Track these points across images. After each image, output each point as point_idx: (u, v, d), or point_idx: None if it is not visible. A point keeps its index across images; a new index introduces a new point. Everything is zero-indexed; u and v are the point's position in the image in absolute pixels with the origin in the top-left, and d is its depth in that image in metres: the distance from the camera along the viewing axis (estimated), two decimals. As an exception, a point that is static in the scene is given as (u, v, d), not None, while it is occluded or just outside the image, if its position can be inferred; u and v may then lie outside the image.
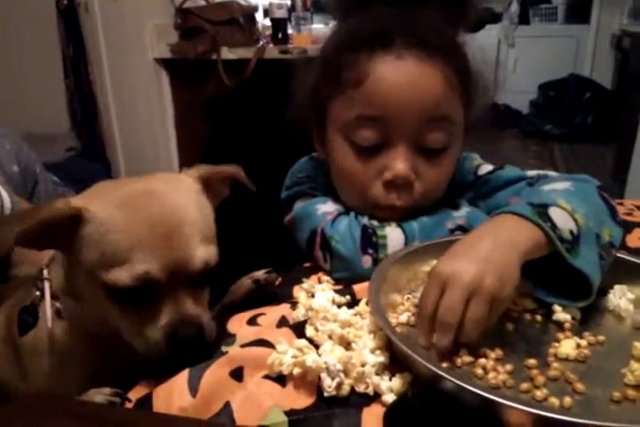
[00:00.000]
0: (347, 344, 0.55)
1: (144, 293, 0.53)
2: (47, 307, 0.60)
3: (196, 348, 0.55)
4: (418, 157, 0.73)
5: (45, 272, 0.63)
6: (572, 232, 0.59)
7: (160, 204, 0.54)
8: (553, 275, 0.61)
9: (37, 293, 0.63)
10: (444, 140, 0.74)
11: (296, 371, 0.51)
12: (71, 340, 0.61)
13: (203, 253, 0.55)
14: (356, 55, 0.72)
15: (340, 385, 0.50)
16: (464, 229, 0.74)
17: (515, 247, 0.56)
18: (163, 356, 0.55)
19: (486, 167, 0.86)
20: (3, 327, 0.66)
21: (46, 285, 0.62)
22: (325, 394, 0.49)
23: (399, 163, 0.72)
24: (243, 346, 0.57)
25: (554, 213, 0.60)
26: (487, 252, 0.55)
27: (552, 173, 0.79)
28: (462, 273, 0.53)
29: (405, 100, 0.70)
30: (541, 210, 0.60)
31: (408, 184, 0.73)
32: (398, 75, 0.70)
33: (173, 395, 0.51)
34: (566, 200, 0.62)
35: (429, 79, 0.71)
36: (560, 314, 0.60)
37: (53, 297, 0.61)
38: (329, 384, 0.49)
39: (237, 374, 0.53)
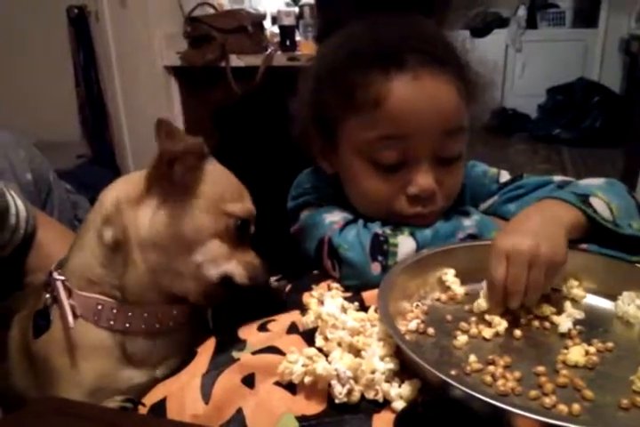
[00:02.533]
0: (356, 352, 0.56)
1: (245, 226, 0.64)
2: (65, 305, 0.60)
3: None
4: (436, 167, 0.75)
5: (56, 274, 0.63)
6: (608, 220, 0.69)
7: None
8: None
9: (47, 295, 0.63)
10: (460, 149, 0.76)
11: (307, 379, 0.51)
12: (86, 340, 0.61)
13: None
14: (368, 75, 0.72)
15: (350, 392, 0.51)
16: (474, 237, 0.75)
17: (560, 223, 0.65)
18: (263, 282, 0.66)
19: (505, 174, 0.90)
20: (18, 339, 0.67)
21: (59, 284, 0.62)
22: (336, 401, 0.50)
23: (423, 177, 0.73)
24: (254, 353, 0.57)
25: (594, 201, 0.69)
26: (537, 226, 0.63)
27: (575, 180, 0.83)
28: (520, 247, 0.60)
29: (426, 117, 0.71)
30: (583, 197, 0.69)
31: (432, 196, 0.75)
32: (417, 94, 0.71)
33: (186, 402, 0.52)
34: (603, 193, 0.71)
35: (445, 94, 0.72)
36: (563, 321, 0.61)
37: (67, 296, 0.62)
38: (339, 391, 0.50)
39: (249, 381, 0.53)
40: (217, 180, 0.63)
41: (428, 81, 0.71)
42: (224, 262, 0.62)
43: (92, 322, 0.61)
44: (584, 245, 0.70)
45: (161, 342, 0.63)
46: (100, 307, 0.61)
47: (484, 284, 0.64)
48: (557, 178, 0.85)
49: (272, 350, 0.57)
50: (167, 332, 0.63)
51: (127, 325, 0.61)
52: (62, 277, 0.62)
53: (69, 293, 0.62)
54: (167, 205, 0.60)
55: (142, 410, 0.54)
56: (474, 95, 0.77)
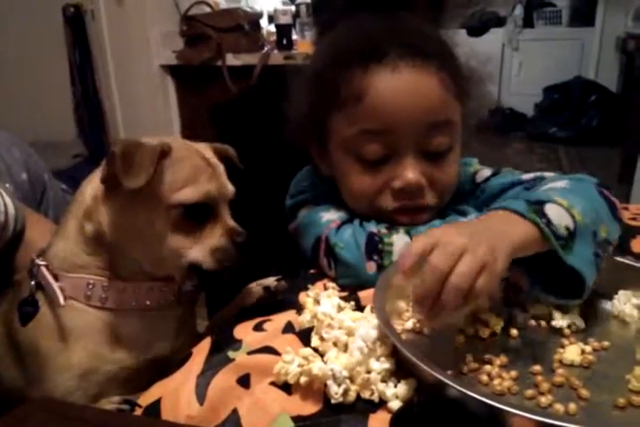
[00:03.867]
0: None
1: (202, 210, 0.63)
2: (54, 286, 0.62)
3: (247, 255, 0.66)
4: (424, 162, 0.74)
5: (38, 260, 0.65)
6: (567, 228, 0.58)
7: (206, 152, 0.69)
8: (548, 273, 0.61)
9: (32, 282, 0.64)
10: (448, 143, 0.75)
11: (303, 380, 0.51)
12: (76, 321, 0.63)
13: (230, 184, 0.68)
14: (350, 71, 0.72)
15: (346, 392, 0.50)
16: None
17: (507, 237, 0.55)
18: (234, 262, 0.64)
19: (483, 174, 0.85)
20: (2, 333, 0.68)
21: (43, 269, 0.64)
22: (332, 401, 0.50)
23: (408, 171, 0.73)
24: (249, 353, 0.57)
25: (550, 209, 0.59)
26: (481, 230, 0.55)
27: (548, 174, 0.77)
28: (453, 237, 0.53)
29: (407, 110, 0.71)
30: (537, 207, 0.59)
31: (419, 190, 0.74)
32: (396, 87, 0.71)
33: (181, 403, 0.52)
34: (563, 197, 0.61)
35: (427, 86, 0.71)
36: (558, 321, 0.61)
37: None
38: (335, 391, 0.50)
39: (244, 382, 0.53)
40: (162, 175, 0.61)
41: (408, 73, 0.71)
42: (187, 252, 0.63)
43: (83, 302, 0.63)
44: (525, 283, 0.63)
45: (151, 323, 0.65)
46: (90, 286, 0.63)
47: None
48: (527, 176, 0.79)
49: (267, 350, 0.57)
50: (158, 312, 0.65)
51: (119, 302, 0.63)
52: (45, 262, 0.64)
53: (55, 276, 0.63)
54: (126, 203, 0.62)
55: (139, 411, 0.54)
56: (466, 89, 0.77)
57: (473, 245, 0.52)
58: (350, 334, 0.57)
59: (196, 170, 0.64)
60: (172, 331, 0.67)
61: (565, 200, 0.61)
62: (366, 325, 0.56)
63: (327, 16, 0.83)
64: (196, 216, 0.63)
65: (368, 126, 0.72)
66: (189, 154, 0.65)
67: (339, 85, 0.73)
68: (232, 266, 0.65)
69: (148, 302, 0.64)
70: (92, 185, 0.65)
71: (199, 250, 0.63)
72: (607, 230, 0.63)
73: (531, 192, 0.69)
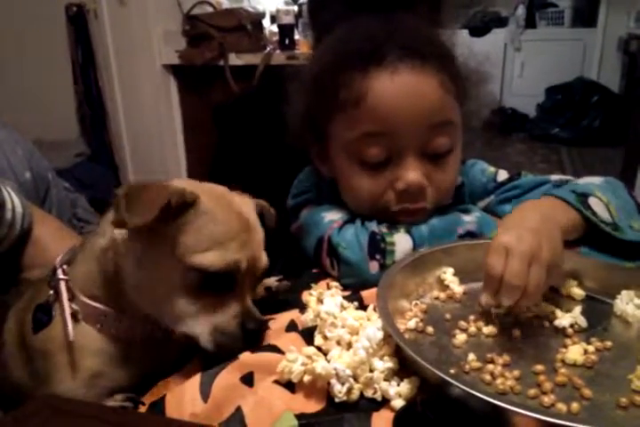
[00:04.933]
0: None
1: (224, 280, 0.57)
2: (66, 308, 0.60)
3: (257, 341, 0.59)
4: (425, 162, 0.74)
5: (60, 272, 0.63)
6: (607, 222, 0.68)
7: (245, 208, 0.62)
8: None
9: (51, 291, 0.63)
10: (448, 144, 0.75)
11: (306, 378, 0.51)
12: (86, 341, 0.61)
13: (265, 256, 0.62)
14: (349, 74, 0.72)
15: (349, 390, 0.51)
16: (474, 235, 0.75)
17: (558, 223, 0.64)
18: (237, 347, 0.57)
19: (503, 173, 0.90)
20: (15, 331, 0.67)
21: (62, 285, 0.62)
22: (336, 400, 0.50)
23: (410, 172, 0.73)
24: (253, 351, 0.57)
25: (593, 202, 0.69)
26: (537, 223, 0.62)
27: (572, 178, 0.82)
28: (521, 242, 0.58)
29: (407, 112, 0.71)
30: (582, 198, 0.68)
31: (421, 191, 0.74)
32: (396, 89, 0.71)
33: (185, 401, 0.52)
34: (603, 192, 0.70)
35: (426, 88, 0.71)
36: (561, 320, 0.61)
37: (70, 299, 0.62)
38: (339, 390, 0.50)
39: (248, 380, 0.53)
40: (187, 229, 0.56)
41: (408, 75, 0.71)
42: (189, 321, 0.57)
43: (94, 328, 0.61)
44: (577, 249, 0.70)
45: (157, 347, 0.63)
46: (103, 316, 0.61)
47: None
48: (554, 177, 0.85)
49: (271, 348, 0.57)
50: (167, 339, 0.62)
51: (129, 333, 0.61)
52: (66, 277, 0.62)
53: (72, 295, 0.62)
54: (144, 251, 0.57)
55: (143, 409, 0.54)
56: (465, 90, 0.77)
57: (537, 245, 0.58)
58: (353, 332, 0.57)
59: (228, 231, 0.57)
60: (177, 349, 0.64)
61: (605, 196, 0.70)
62: (373, 325, 0.56)
63: (325, 19, 0.83)
64: (214, 286, 0.56)
65: (369, 129, 0.72)
66: (223, 209, 0.58)
67: (338, 89, 0.73)
68: (228, 353, 0.58)
69: (158, 334, 0.61)
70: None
71: (202, 325, 0.57)
72: (639, 227, 0.70)
73: (572, 184, 0.76)
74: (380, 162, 0.74)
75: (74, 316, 0.61)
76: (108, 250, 0.60)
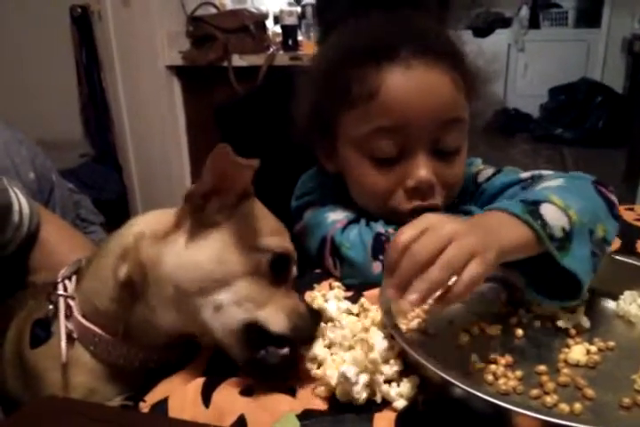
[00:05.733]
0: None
1: (282, 267, 0.57)
2: (62, 327, 0.59)
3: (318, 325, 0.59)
4: (434, 159, 0.74)
5: (61, 286, 0.61)
6: (564, 229, 0.56)
7: None
8: (544, 275, 0.59)
9: (51, 306, 0.61)
10: (458, 141, 0.75)
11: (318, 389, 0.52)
12: (81, 360, 0.60)
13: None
14: (362, 69, 0.72)
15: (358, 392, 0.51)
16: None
17: (500, 241, 0.52)
18: (308, 337, 0.56)
19: (485, 174, 0.85)
20: (14, 341, 0.66)
21: (61, 301, 0.60)
22: (354, 402, 0.50)
23: (421, 169, 0.73)
24: None
25: (545, 209, 0.57)
26: (474, 225, 0.54)
27: (546, 172, 0.76)
28: (446, 223, 0.51)
29: (420, 107, 0.71)
30: (533, 207, 0.57)
31: (430, 188, 0.74)
32: (410, 84, 0.71)
33: (187, 403, 0.52)
34: (559, 196, 0.59)
35: (439, 84, 0.72)
36: (564, 322, 0.61)
37: (67, 316, 0.60)
38: (357, 391, 0.50)
39: (248, 392, 0.53)
40: (250, 213, 0.57)
41: (421, 71, 0.71)
42: (257, 306, 0.54)
43: (87, 350, 0.60)
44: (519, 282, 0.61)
45: (154, 375, 0.60)
46: (97, 339, 0.59)
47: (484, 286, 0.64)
48: (525, 174, 0.78)
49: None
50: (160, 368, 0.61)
51: (122, 360, 0.59)
52: (66, 293, 0.61)
53: (70, 312, 0.60)
54: (194, 241, 0.55)
55: (143, 407, 0.54)
56: (474, 88, 0.77)
57: (465, 232, 0.50)
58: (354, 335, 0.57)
59: (281, 225, 0.60)
60: (176, 365, 0.62)
61: (561, 200, 0.59)
62: (377, 335, 0.56)
63: (332, 15, 0.83)
64: (277, 269, 0.56)
65: (382, 124, 0.72)
66: (264, 208, 0.61)
67: (350, 84, 0.73)
68: (303, 339, 0.56)
69: (152, 365, 0.60)
70: (141, 225, 0.58)
71: (273, 309, 0.54)
72: (605, 229, 0.61)
73: (527, 191, 0.67)
74: (390, 158, 0.73)
75: (69, 335, 0.59)
76: (130, 252, 0.56)
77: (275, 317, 0.54)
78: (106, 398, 0.60)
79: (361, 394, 0.50)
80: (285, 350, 0.54)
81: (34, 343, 0.62)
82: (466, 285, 0.48)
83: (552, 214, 0.57)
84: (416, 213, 0.74)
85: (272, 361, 0.54)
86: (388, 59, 0.72)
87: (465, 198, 0.84)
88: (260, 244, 0.56)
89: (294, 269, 0.60)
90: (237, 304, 0.54)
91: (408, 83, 0.71)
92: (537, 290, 0.59)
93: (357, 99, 0.73)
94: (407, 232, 0.51)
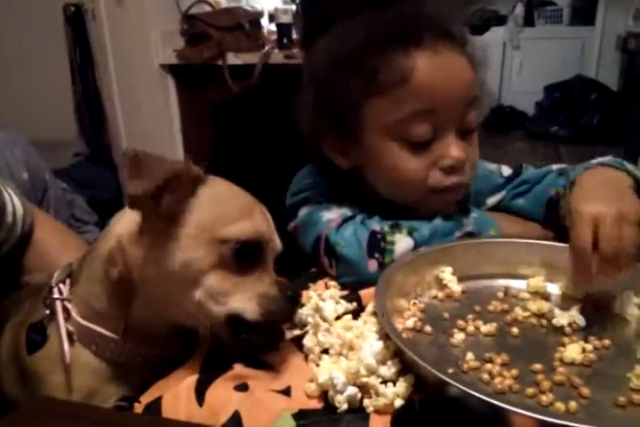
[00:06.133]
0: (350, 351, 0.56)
1: (253, 252, 0.56)
2: (62, 328, 0.59)
3: (296, 307, 0.60)
4: (461, 138, 0.76)
5: (56, 291, 0.61)
6: None
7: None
8: None
9: (47, 311, 0.61)
10: (475, 121, 0.78)
11: (309, 389, 0.52)
12: (81, 361, 0.60)
13: (279, 239, 0.62)
14: (389, 56, 0.74)
15: (351, 398, 0.51)
16: (472, 235, 0.76)
17: (624, 183, 0.68)
18: (283, 317, 0.58)
19: (506, 168, 0.91)
20: (9, 346, 0.66)
21: (58, 304, 0.60)
22: (338, 411, 0.50)
23: (455, 149, 0.75)
24: (246, 365, 0.56)
25: (628, 166, 0.72)
26: (609, 190, 0.66)
27: (572, 167, 0.82)
28: (606, 209, 0.61)
29: (451, 89, 0.74)
30: (619, 161, 0.72)
31: (463, 166, 0.76)
32: (440, 68, 0.74)
33: (181, 402, 0.51)
34: (620, 161, 0.73)
35: (461, 65, 0.76)
36: (559, 319, 0.61)
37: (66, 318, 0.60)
38: (339, 400, 0.50)
39: (243, 387, 0.53)
40: (207, 204, 0.56)
41: (446, 54, 0.74)
42: (228, 298, 0.55)
43: (89, 350, 0.60)
44: None
45: (155, 370, 0.61)
46: (98, 339, 0.59)
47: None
48: (555, 166, 0.87)
49: (263, 364, 0.56)
50: (163, 364, 0.61)
51: (124, 357, 0.60)
52: (62, 297, 0.61)
53: (68, 315, 0.60)
54: (158, 240, 0.55)
55: (138, 408, 0.54)
56: (478, 72, 0.80)
57: (619, 207, 0.61)
58: (344, 344, 0.57)
59: (250, 205, 0.58)
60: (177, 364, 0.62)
61: (625, 164, 0.72)
62: (370, 339, 0.56)
63: (320, 15, 0.84)
64: (245, 258, 0.56)
65: (417, 107, 0.73)
66: (238, 190, 0.60)
67: (377, 70, 0.74)
68: (279, 321, 0.58)
69: (155, 361, 0.61)
70: (120, 224, 0.59)
71: (244, 298, 0.55)
72: None
73: (585, 163, 0.77)
74: (425, 141, 0.75)
75: (69, 336, 0.59)
76: (116, 253, 0.57)
77: (247, 305, 0.55)
78: (107, 399, 0.60)
79: (342, 404, 0.50)
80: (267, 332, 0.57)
81: (30, 348, 0.62)
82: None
83: (632, 168, 0.72)
84: (452, 188, 0.77)
85: (255, 341, 0.56)
86: (415, 44, 0.74)
87: (492, 191, 0.90)
88: (219, 235, 0.55)
89: (271, 249, 0.59)
90: (213, 299, 0.55)
91: (438, 66, 0.74)
92: None
93: (387, 85, 0.73)
94: (587, 233, 0.60)
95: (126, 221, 0.58)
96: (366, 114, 0.77)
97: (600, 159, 0.76)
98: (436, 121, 0.74)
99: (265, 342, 0.58)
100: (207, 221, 0.55)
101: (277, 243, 0.61)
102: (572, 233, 0.61)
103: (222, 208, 0.57)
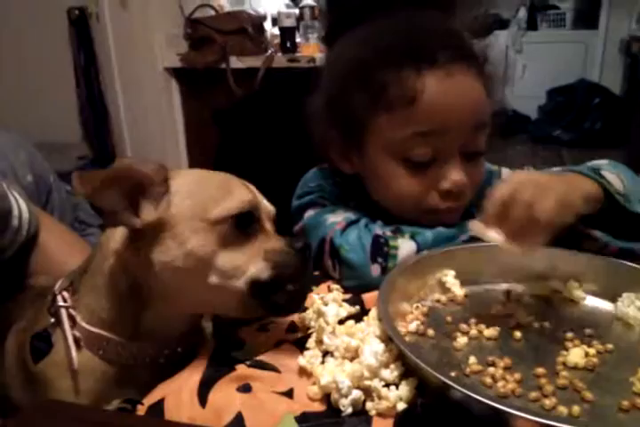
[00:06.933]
0: (352, 358, 0.56)
1: (249, 222, 0.58)
2: (68, 335, 0.59)
3: (307, 260, 0.62)
4: (464, 162, 0.75)
5: (60, 298, 0.62)
6: (622, 189, 0.70)
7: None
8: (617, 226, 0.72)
9: (52, 320, 0.62)
10: (483, 144, 0.77)
11: (311, 391, 0.52)
12: (89, 367, 0.60)
13: (270, 204, 0.65)
14: (400, 72, 0.72)
15: (355, 401, 0.50)
16: (475, 239, 0.75)
17: (579, 189, 0.65)
18: (295, 269, 0.59)
19: (505, 171, 0.90)
20: (14, 352, 0.66)
21: (63, 312, 0.61)
22: (342, 409, 0.50)
23: (455, 173, 0.74)
24: (249, 366, 0.56)
25: (606, 173, 0.70)
26: (556, 181, 0.64)
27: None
28: (535, 178, 0.62)
29: (459, 113, 0.72)
30: (596, 170, 0.70)
31: (464, 190, 0.76)
32: (450, 90, 0.72)
33: (183, 404, 0.52)
34: (612, 168, 0.73)
35: (474, 90, 0.74)
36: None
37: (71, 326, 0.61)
38: (343, 404, 0.50)
39: (246, 388, 0.53)
40: (184, 194, 0.57)
41: (460, 77, 0.72)
42: (243, 269, 0.57)
43: (96, 355, 0.60)
44: (598, 233, 0.71)
45: (161, 370, 0.61)
46: (105, 343, 0.60)
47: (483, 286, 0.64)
48: (555, 169, 0.84)
49: (265, 365, 0.56)
50: (171, 363, 0.62)
51: (132, 359, 0.60)
52: (66, 304, 0.61)
53: (74, 322, 0.60)
54: (155, 244, 0.56)
55: (141, 409, 0.54)
56: (493, 91, 0.79)
57: (550, 183, 0.61)
58: (348, 349, 0.57)
59: (227, 183, 0.60)
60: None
61: (615, 170, 0.72)
62: (372, 342, 0.56)
63: (344, 14, 0.82)
64: (243, 228, 0.57)
65: (421, 129, 0.72)
66: (210, 173, 0.61)
67: (387, 86, 0.73)
68: (293, 272, 0.58)
69: (162, 360, 0.61)
70: (113, 241, 0.59)
71: (253, 262, 0.57)
72: None
73: (580, 166, 0.76)
74: (424, 161, 0.74)
75: (76, 343, 0.60)
76: (118, 270, 0.58)
77: (258, 266, 0.57)
78: (116, 400, 0.59)
79: (347, 408, 0.50)
80: (290, 287, 0.58)
81: (36, 357, 0.62)
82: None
83: (611, 178, 0.70)
84: (446, 211, 0.77)
85: (282, 301, 0.58)
86: (428, 64, 0.72)
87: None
88: (212, 217, 0.56)
89: (265, 213, 0.61)
90: (229, 276, 0.56)
91: (448, 89, 0.72)
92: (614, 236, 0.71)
93: (395, 102, 0.72)
94: (504, 188, 0.60)
95: (118, 237, 0.59)
96: (370, 128, 0.76)
97: (594, 162, 0.77)
98: (438, 144, 0.73)
99: (292, 297, 0.60)
100: (192, 209, 0.56)
101: (267, 205, 0.63)
102: (518, 195, 0.59)
103: (202, 193, 0.57)
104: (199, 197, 0.57)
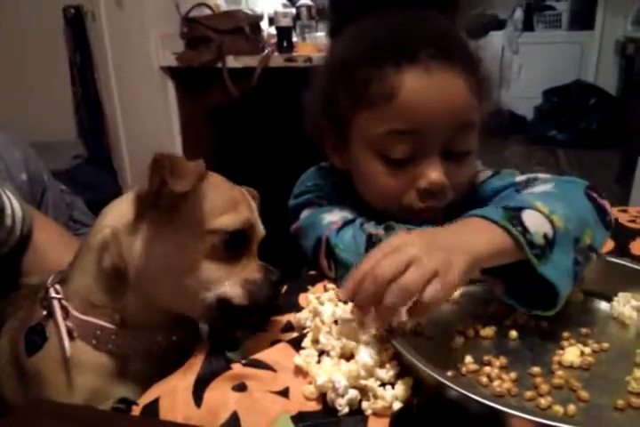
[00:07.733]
0: (348, 357, 0.56)
1: (240, 240, 0.60)
2: (62, 328, 0.60)
3: (280, 291, 0.64)
4: (447, 162, 0.74)
5: (52, 291, 0.62)
6: (545, 236, 0.56)
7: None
8: (524, 283, 0.60)
9: (44, 312, 0.62)
10: (469, 144, 0.75)
11: (307, 391, 0.52)
12: (82, 359, 0.61)
13: (262, 227, 0.66)
14: (381, 69, 0.72)
15: (351, 401, 0.50)
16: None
17: (471, 251, 0.54)
18: (266, 300, 0.61)
19: (482, 176, 0.84)
20: (7, 350, 0.66)
21: (55, 303, 0.61)
22: (338, 410, 0.50)
23: (434, 172, 0.73)
24: (245, 365, 0.56)
25: (527, 216, 0.57)
26: (443, 239, 0.55)
27: (542, 175, 0.76)
28: (408, 246, 0.53)
29: (438, 111, 0.71)
30: (514, 213, 0.57)
31: (442, 190, 0.74)
32: (429, 88, 0.71)
33: (178, 404, 0.51)
34: (544, 202, 0.59)
35: (456, 88, 0.72)
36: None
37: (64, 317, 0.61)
38: (340, 404, 0.50)
39: (241, 388, 0.53)
40: (200, 197, 0.59)
41: (439, 74, 0.71)
42: (218, 285, 0.59)
43: (90, 345, 0.61)
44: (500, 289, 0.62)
45: (156, 362, 0.62)
46: (99, 332, 0.60)
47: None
48: (520, 178, 0.78)
49: (261, 364, 0.56)
50: (165, 353, 0.63)
51: (126, 348, 0.61)
52: (59, 296, 0.62)
53: (66, 313, 0.61)
54: (157, 231, 0.58)
55: (136, 410, 0.53)
56: (487, 92, 0.78)
57: (425, 254, 0.51)
58: (345, 348, 0.56)
59: (236, 198, 0.62)
60: (178, 362, 0.62)
61: (546, 206, 0.59)
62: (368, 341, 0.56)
63: (347, 9, 0.82)
64: (234, 246, 0.60)
65: (398, 126, 0.71)
66: (226, 183, 0.63)
67: (368, 83, 0.73)
68: (263, 304, 0.61)
69: (155, 349, 0.62)
70: (111, 217, 0.61)
71: (232, 284, 0.59)
72: (592, 236, 0.61)
73: (513, 197, 0.68)
74: (403, 159, 0.73)
75: (69, 333, 0.60)
76: (110, 243, 0.60)
77: (235, 291, 0.59)
78: (110, 397, 0.59)
79: (343, 408, 0.50)
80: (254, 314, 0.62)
81: (30, 350, 0.62)
82: (424, 307, 0.51)
83: (534, 221, 0.57)
84: (425, 211, 0.75)
85: (242, 322, 0.62)
86: (408, 60, 0.71)
87: (464, 200, 0.82)
88: (210, 227, 0.58)
89: (256, 236, 0.63)
90: (204, 286, 0.59)
91: (426, 86, 0.70)
92: (516, 297, 0.61)
93: (375, 99, 0.72)
94: (373, 256, 0.53)
95: (119, 214, 0.60)
96: (353, 124, 0.77)
97: (533, 191, 0.67)
98: (416, 142, 0.72)
99: (248, 324, 0.63)
100: (199, 213, 0.58)
101: (261, 229, 0.64)
102: (376, 267, 0.52)
103: (213, 202, 0.59)
104: (208, 203, 0.59)
